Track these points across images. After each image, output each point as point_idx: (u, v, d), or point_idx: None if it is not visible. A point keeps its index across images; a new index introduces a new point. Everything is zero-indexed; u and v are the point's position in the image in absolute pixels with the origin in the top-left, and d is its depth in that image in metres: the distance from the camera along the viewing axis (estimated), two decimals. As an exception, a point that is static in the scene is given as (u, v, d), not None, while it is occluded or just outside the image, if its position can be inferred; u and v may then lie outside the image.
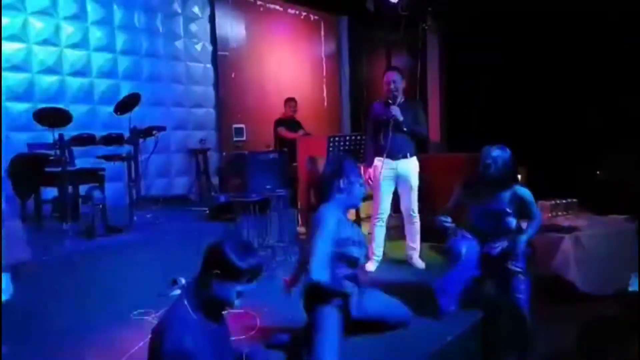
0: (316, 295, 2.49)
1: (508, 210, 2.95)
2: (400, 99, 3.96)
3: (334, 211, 2.55)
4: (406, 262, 4.15)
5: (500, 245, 2.90)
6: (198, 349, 1.56)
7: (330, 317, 2.45)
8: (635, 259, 3.60)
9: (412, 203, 4.04)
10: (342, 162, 2.66)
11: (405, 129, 3.91)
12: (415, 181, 4.03)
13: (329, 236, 2.45)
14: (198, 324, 1.62)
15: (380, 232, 4.07)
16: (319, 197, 2.71)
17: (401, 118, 3.87)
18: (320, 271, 2.38)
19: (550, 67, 5.85)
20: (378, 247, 4.08)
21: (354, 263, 2.56)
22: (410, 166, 4.01)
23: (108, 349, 2.64)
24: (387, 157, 3.94)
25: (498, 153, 2.87)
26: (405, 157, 3.97)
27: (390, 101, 3.91)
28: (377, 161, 4.00)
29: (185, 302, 1.65)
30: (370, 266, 3.99)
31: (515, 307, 2.72)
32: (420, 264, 4.09)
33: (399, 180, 4.02)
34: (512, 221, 3.00)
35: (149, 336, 1.67)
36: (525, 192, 2.98)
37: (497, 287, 2.98)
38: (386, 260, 4.17)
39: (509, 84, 6.07)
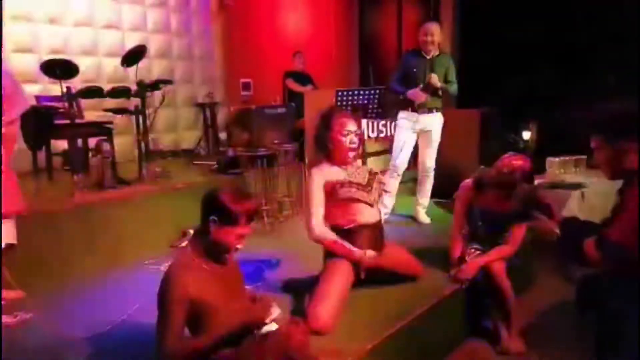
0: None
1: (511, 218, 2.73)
2: (434, 52, 3.90)
3: (320, 171, 2.61)
4: (412, 217, 4.19)
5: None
6: (201, 291, 1.65)
7: (339, 268, 2.47)
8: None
9: (430, 158, 4.04)
10: (330, 115, 2.64)
11: (440, 94, 3.90)
12: (437, 136, 4.02)
13: (317, 196, 2.56)
14: (201, 268, 1.71)
15: (394, 184, 4.07)
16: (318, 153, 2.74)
17: (439, 85, 3.83)
18: (318, 233, 2.51)
19: (566, 25, 5.68)
20: (389, 200, 4.08)
21: (359, 201, 2.56)
22: (435, 120, 4.00)
23: (121, 295, 2.74)
24: (412, 110, 3.93)
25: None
26: (431, 112, 3.96)
27: (425, 55, 3.88)
28: (401, 113, 3.99)
29: (189, 250, 1.73)
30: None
31: (492, 279, 2.67)
32: (426, 219, 4.13)
33: (421, 134, 4.01)
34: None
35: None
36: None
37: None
38: (393, 214, 4.20)
39: (523, 42, 5.90)
